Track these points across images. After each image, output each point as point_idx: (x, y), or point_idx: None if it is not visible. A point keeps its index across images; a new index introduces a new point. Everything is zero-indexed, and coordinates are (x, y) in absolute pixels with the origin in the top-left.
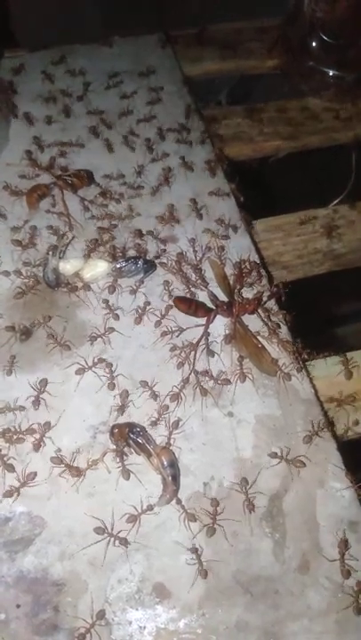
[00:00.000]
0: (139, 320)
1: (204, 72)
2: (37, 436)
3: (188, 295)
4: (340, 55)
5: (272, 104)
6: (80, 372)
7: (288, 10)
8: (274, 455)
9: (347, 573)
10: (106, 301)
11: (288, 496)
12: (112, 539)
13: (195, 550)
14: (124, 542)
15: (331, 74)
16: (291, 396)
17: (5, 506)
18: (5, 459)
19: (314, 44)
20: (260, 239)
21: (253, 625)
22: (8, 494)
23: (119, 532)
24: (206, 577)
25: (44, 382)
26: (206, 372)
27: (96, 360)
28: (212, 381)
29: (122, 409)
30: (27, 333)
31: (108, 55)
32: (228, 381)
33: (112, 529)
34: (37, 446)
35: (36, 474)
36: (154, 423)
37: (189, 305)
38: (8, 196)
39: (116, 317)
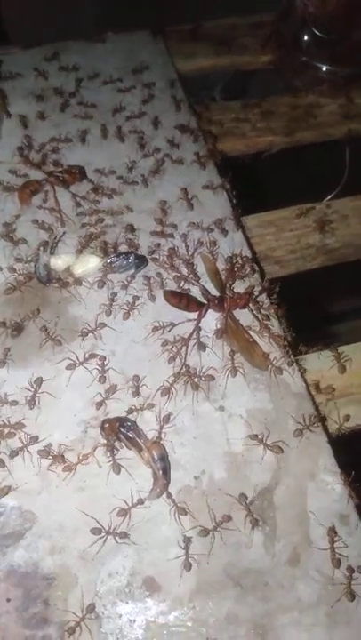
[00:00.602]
0: (127, 315)
1: (198, 68)
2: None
3: (181, 290)
4: (332, 50)
5: (265, 99)
6: (71, 367)
7: (281, 5)
8: (254, 437)
9: (337, 562)
10: (114, 295)
11: (279, 489)
12: (110, 536)
13: (187, 540)
14: (124, 535)
15: (324, 69)
16: (282, 389)
17: None
18: None
19: (306, 39)
20: (253, 234)
21: (243, 617)
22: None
23: (116, 528)
24: (190, 570)
25: (39, 381)
26: (188, 370)
27: (87, 355)
28: (197, 378)
29: (100, 404)
30: (18, 329)
31: (101, 51)
32: (211, 377)
33: (109, 527)
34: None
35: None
36: (130, 411)
37: (180, 299)
38: (0, 192)
39: (109, 313)
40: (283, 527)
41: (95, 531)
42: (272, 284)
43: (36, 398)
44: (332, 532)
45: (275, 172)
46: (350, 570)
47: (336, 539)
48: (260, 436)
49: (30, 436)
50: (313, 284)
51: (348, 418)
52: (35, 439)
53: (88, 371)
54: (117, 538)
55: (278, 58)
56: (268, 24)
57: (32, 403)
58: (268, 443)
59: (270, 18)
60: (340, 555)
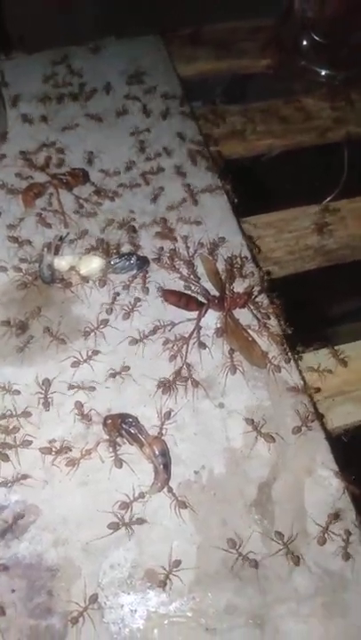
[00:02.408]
0: (127, 315)
1: (199, 72)
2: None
3: (185, 291)
4: (331, 54)
5: (265, 103)
6: (75, 364)
7: (281, 10)
8: (250, 422)
9: (323, 541)
10: (116, 294)
11: (277, 484)
12: (126, 527)
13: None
14: (141, 521)
15: (323, 73)
16: (280, 387)
17: (0, 494)
18: (0, 448)
19: (305, 43)
20: (253, 235)
21: (242, 608)
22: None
23: (132, 517)
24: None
25: (47, 382)
26: (189, 368)
27: (90, 353)
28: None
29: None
30: (22, 328)
31: (103, 56)
32: (197, 383)
33: (122, 517)
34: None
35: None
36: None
37: (179, 298)
38: (4, 194)
39: (110, 312)
40: (281, 520)
41: (112, 525)
42: (271, 285)
43: (49, 399)
44: (333, 516)
45: (274, 174)
46: (347, 533)
47: (332, 523)
48: (255, 423)
49: (34, 431)
50: (311, 285)
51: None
52: (38, 435)
53: (92, 369)
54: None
55: (278, 62)
56: (267, 28)
57: (46, 404)
58: (263, 431)
59: (270, 22)
60: (328, 536)
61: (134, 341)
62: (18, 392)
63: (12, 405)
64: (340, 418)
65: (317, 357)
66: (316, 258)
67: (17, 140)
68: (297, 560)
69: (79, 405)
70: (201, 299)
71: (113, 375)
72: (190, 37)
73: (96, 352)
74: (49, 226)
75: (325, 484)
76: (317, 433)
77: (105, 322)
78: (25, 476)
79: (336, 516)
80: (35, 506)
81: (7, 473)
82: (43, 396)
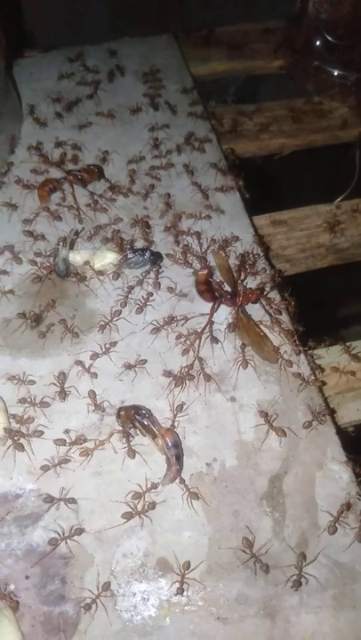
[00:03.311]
0: (140, 310)
1: (212, 72)
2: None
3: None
4: (344, 55)
5: (278, 103)
6: (94, 357)
7: (294, 11)
8: (263, 414)
9: (333, 530)
10: (130, 288)
11: (288, 477)
12: (139, 516)
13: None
14: (152, 506)
15: (335, 73)
16: (292, 382)
17: (15, 482)
18: (16, 438)
19: (318, 44)
20: (265, 233)
21: (253, 599)
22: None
23: (145, 505)
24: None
25: (63, 376)
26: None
27: (108, 345)
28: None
29: (99, 407)
30: (37, 320)
31: (118, 55)
32: (209, 377)
33: (135, 506)
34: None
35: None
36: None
37: (208, 282)
38: (20, 189)
39: (124, 305)
40: (291, 513)
41: (126, 515)
42: (283, 281)
43: (66, 391)
44: (346, 505)
45: (286, 173)
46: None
47: (344, 514)
48: (269, 416)
49: (49, 422)
50: (323, 283)
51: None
52: (52, 425)
53: (111, 360)
54: (148, 506)
55: (290, 62)
56: (280, 30)
57: (62, 395)
58: (275, 425)
59: (283, 23)
60: (339, 525)
61: (150, 333)
62: (33, 382)
63: (26, 396)
64: (350, 414)
65: (329, 354)
66: (327, 256)
67: (33, 137)
68: (267, 568)
69: (92, 395)
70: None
71: (128, 367)
72: (204, 38)
73: (114, 343)
74: (59, 219)
75: (336, 477)
76: (328, 428)
77: (118, 314)
78: (47, 467)
79: (348, 506)
80: (48, 494)
81: (23, 462)
82: (59, 387)
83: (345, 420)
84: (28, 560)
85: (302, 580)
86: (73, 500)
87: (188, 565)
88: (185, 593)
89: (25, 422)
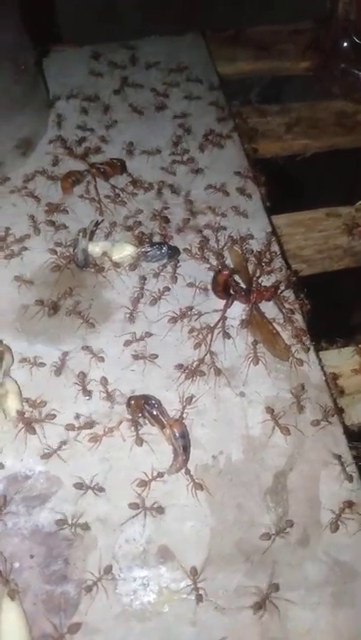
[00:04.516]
0: (154, 302)
1: (238, 71)
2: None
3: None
4: None
5: (302, 104)
6: (127, 344)
7: (323, 13)
8: (270, 411)
9: (335, 528)
10: (145, 281)
11: (293, 474)
12: (146, 511)
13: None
14: (160, 511)
15: None
16: (302, 381)
17: (25, 464)
18: (28, 421)
19: (346, 46)
20: (283, 233)
21: (252, 591)
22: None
23: (153, 504)
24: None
25: (82, 375)
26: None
27: (143, 334)
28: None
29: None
30: (55, 308)
31: (145, 53)
32: (219, 371)
33: (144, 503)
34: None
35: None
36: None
37: (226, 277)
38: (45, 180)
39: (141, 296)
40: (294, 509)
41: (133, 506)
42: (298, 282)
43: (64, 367)
44: (348, 503)
45: (308, 174)
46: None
47: (347, 511)
48: (275, 413)
49: (60, 407)
50: (339, 285)
51: None
52: (63, 410)
53: (131, 350)
54: (154, 512)
55: (317, 64)
56: (308, 31)
57: (59, 371)
58: (281, 423)
59: (311, 25)
60: (341, 523)
61: (167, 323)
62: (43, 364)
63: (39, 380)
64: (358, 414)
65: (340, 355)
66: (344, 258)
67: (59, 130)
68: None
69: (104, 382)
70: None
71: (137, 358)
72: (231, 38)
73: (148, 334)
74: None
75: (341, 477)
76: (336, 427)
77: (136, 302)
78: (48, 454)
79: (350, 504)
80: (57, 477)
81: (34, 444)
82: (79, 384)
83: (354, 422)
84: (33, 540)
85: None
86: (101, 489)
87: (195, 571)
88: (183, 581)
89: (37, 406)
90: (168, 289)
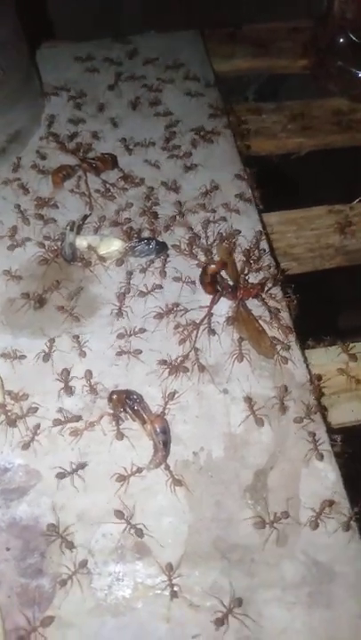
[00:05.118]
0: (143, 294)
1: (235, 69)
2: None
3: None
4: None
5: (298, 102)
6: (121, 336)
7: (320, 11)
8: (248, 400)
9: (315, 526)
10: (131, 276)
11: (273, 472)
12: (128, 527)
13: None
14: (140, 534)
15: (359, 74)
16: (286, 379)
17: (5, 457)
18: (10, 414)
19: (343, 43)
20: (274, 230)
21: (227, 589)
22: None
23: (137, 525)
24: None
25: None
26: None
27: (137, 330)
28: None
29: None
30: (41, 302)
31: (141, 48)
32: (203, 368)
33: (131, 517)
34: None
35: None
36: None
37: (213, 273)
38: (35, 174)
39: (127, 291)
40: (273, 508)
41: (118, 514)
42: (287, 279)
43: (52, 354)
44: (328, 502)
45: (301, 173)
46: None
47: (326, 510)
48: (252, 403)
49: (42, 400)
50: (329, 284)
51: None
52: (45, 404)
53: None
54: (133, 531)
55: (314, 62)
56: (306, 29)
57: (47, 357)
58: (258, 414)
59: (308, 23)
60: (321, 521)
61: (153, 318)
62: (24, 356)
63: (21, 373)
64: (342, 414)
65: (327, 354)
66: (335, 257)
67: (51, 124)
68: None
69: (89, 375)
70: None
71: (121, 354)
72: (229, 35)
73: (143, 330)
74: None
75: (322, 475)
76: (319, 425)
77: (122, 298)
78: (27, 444)
79: (331, 503)
80: (36, 470)
81: (14, 437)
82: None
83: (337, 421)
84: (10, 532)
85: None
86: (84, 464)
87: (171, 567)
88: (159, 577)
89: (20, 399)
90: (160, 287)
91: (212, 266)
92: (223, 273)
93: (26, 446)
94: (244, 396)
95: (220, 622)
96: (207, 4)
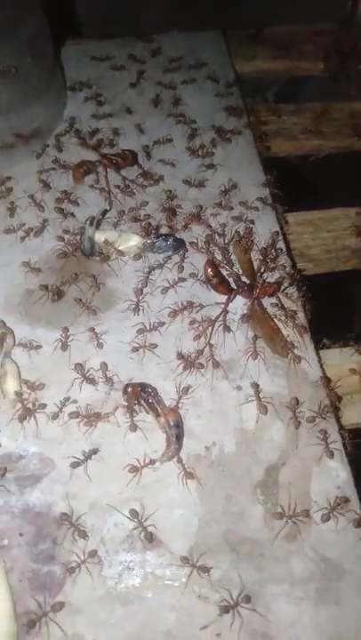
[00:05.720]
0: (165, 290)
1: (256, 70)
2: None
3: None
4: None
5: (318, 105)
6: (141, 331)
7: (344, 14)
8: (255, 386)
9: (326, 519)
10: (150, 271)
11: (285, 469)
12: (140, 528)
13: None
14: (149, 537)
15: None
16: (300, 377)
17: (20, 444)
18: (25, 403)
19: None
20: (291, 231)
21: (236, 582)
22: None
23: (149, 526)
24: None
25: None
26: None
27: (156, 324)
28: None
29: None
30: (59, 294)
31: (164, 47)
32: (218, 364)
33: (142, 518)
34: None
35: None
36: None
37: (216, 273)
38: (57, 168)
39: (145, 285)
40: (284, 504)
41: (133, 513)
42: (304, 280)
43: (69, 345)
44: (343, 499)
45: (320, 175)
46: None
47: (339, 507)
48: (258, 389)
49: (57, 391)
50: (344, 285)
51: None
52: (60, 394)
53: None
54: (142, 535)
55: (335, 65)
56: (328, 32)
57: (65, 346)
58: (263, 400)
59: (331, 26)
60: (333, 516)
61: (167, 316)
62: (40, 346)
63: (38, 364)
64: (355, 415)
65: (341, 355)
66: (351, 259)
67: (73, 120)
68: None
69: (104, 367)
70: (232, 284)
71: (136, 350)
72: (251, 37)
73: (162, 323)
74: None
75: (333, 474)
76: (331, 425)
77: (140, 293)
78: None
79: (346, 500)
80: (50, 459)
81: (29, 426)
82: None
83: (350, 421)
84: (23, 518)
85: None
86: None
87: (186, 560)
88: (168, 568)
89: (36, 388)
90: (183, 279)
91: (207, 271)
92: (240, 271)
93: (55, 416)
94: (251, 382)
95: (226, 610)
96: (231, 5)
